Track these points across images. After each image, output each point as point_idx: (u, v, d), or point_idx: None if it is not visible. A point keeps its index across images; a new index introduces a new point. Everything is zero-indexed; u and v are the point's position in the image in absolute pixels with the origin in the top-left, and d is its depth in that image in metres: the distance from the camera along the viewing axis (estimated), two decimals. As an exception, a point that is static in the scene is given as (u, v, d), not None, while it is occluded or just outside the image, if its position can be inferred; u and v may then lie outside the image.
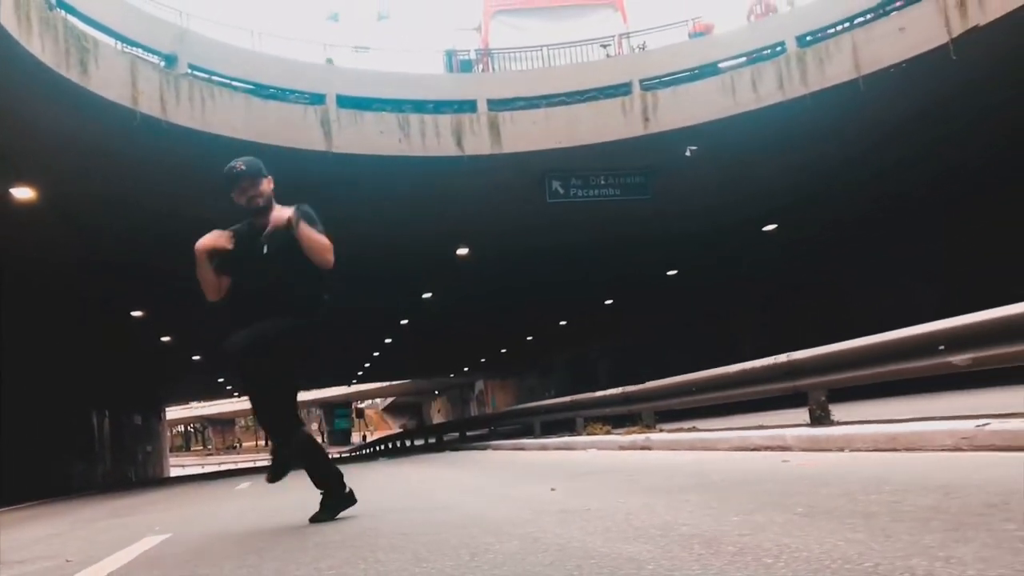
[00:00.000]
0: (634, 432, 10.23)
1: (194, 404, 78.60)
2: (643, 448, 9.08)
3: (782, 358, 7.31)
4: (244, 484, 11.71)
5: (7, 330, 21.85)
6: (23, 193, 12.74)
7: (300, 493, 8.02)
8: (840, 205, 19.46)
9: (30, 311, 19.98)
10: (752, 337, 25.60)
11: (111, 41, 12.68)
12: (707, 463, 5.95)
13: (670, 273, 25.80)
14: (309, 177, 15.00)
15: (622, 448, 9.63)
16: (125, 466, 37.83)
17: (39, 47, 10.58)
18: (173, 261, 16.31)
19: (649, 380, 10.97)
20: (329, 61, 16.31)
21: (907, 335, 5.82)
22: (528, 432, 15.96)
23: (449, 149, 15.53)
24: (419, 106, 15.89)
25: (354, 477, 9.86)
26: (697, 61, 16.22)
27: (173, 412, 72.30)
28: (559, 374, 46.62)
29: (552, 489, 4.73)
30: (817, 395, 6.91)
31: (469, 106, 16.05)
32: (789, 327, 20.98)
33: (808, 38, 15.25)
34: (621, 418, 12.32)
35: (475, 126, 15.79)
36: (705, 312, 29.50)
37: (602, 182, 16.83)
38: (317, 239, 4.49)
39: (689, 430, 9.65)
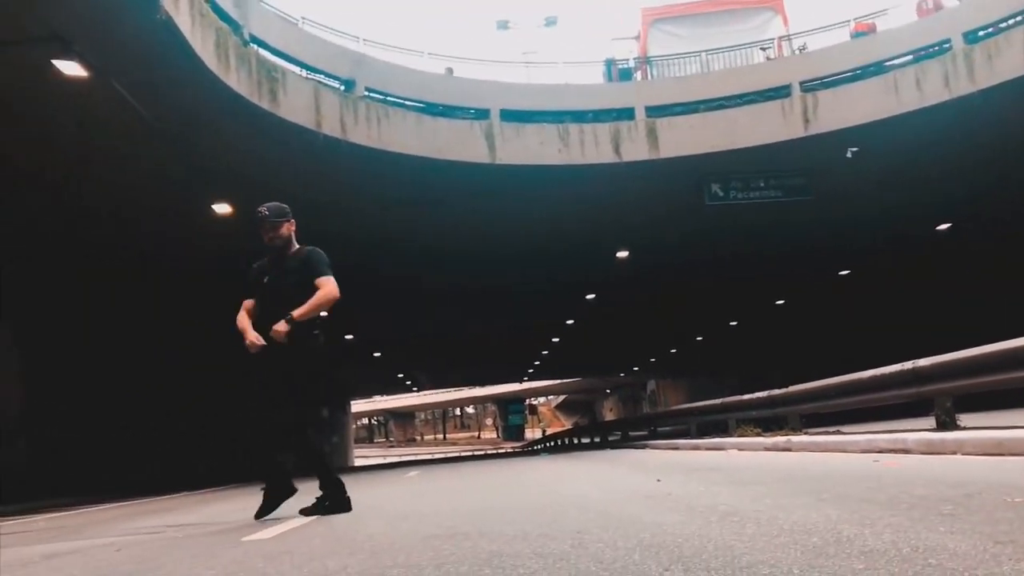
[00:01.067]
0: (779, 435, 10.48)
1: (377, 398, 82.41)
2: (784, 450, 9.35)
3: (908, 365, 7.46)
4: (413, 472, 12.79)
5: (208, 330, 24.11)
6: (223, 208, 14.31)
7: (448, 481, 8.87)
8: (1019, 200, 18.60)
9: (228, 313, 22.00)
10: (938, 337, 24.68)
11: (296, 69, 14.03)
12: (814, 463, 6.32)
13: (842, 273, 25.26)
14: (476, 188, 16.03)
15: (767, 449, 9.92)
16: (315, 455, 40.50)
17: (235, 80, 11.95)
18: (353, 269, 17.82)
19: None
20: (449, 71, 17.05)
21: (1015, 346, 5.93)
22: (685, 433, 16.31)
23: (607, 156, 16.07)
24: (578, 116, 16.51)
25: (515, 469, 10.64)
26: (859, 61, 16.04)
27: (358, 405, 76.21)
28: (732, 374, 45.92)
29: (658, 480, 5.29)
30: (943, 401, 7.05)
31: (627, 114, 16.53)
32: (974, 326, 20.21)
33: (979, 33, 14.83)
34: (772, 421, 12.53)
35: (633, 133, 16.24)
36: (884, 311, 28.56)
37: (762, 184, 16.89)
38: (321, 302, 5.15)
39: (833, 433, 9.83)
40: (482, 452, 51.68)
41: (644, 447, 16.54)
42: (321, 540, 3.51)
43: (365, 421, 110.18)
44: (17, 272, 16.49)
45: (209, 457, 26.96)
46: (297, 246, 5.36)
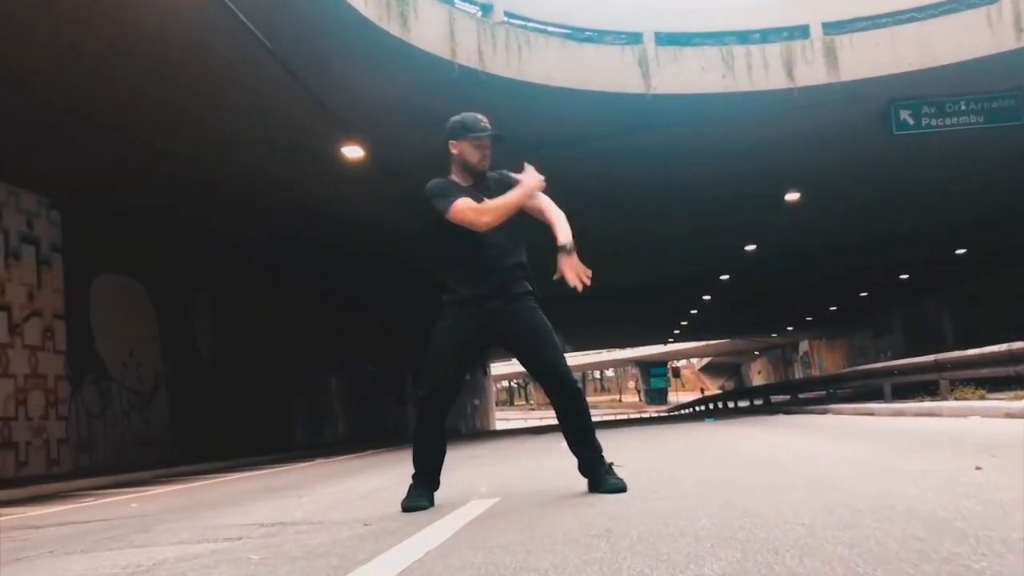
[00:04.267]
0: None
1: (516, 361, 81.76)
2: (1042, 416, 7.42)
3: None
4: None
5: (345, 289, 23.57)
6: (353, 152, 13.17)
7: (662, 449, 7.36)
8: None
9: (355, 268, 21.27)
10: None
11: (428, -8, 12.64)
12: None
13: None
14: (625, 123, 14.36)
15: (1009, 415, 7.97)
16: (456, 418, 40.07)
17: (361, 1, 10.64)
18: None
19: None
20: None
21: None
22: (873, 395, 14.27)
23: (778, 82, 14.12)
24: (743, 37, 14.60)
25: (708, 436, 9.07)
26: (1094, -49, 13.44)
27: (498, 368, 75.95)
28: (896, 334, 42.75)
29: (977, 468, 3.58)
30: None
31: (800, 32, 14.51)
32: None
33: None
34: (997, 381, 10.45)
35: (808, 54, 14.23)
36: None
37: (962, 108, 14.56)
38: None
39: (1101, 396, 7.79)
40: (626, 416, 50.16)
41: (825, 411, 14.58)
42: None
43: (505, 384, 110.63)
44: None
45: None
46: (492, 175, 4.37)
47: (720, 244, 22.94)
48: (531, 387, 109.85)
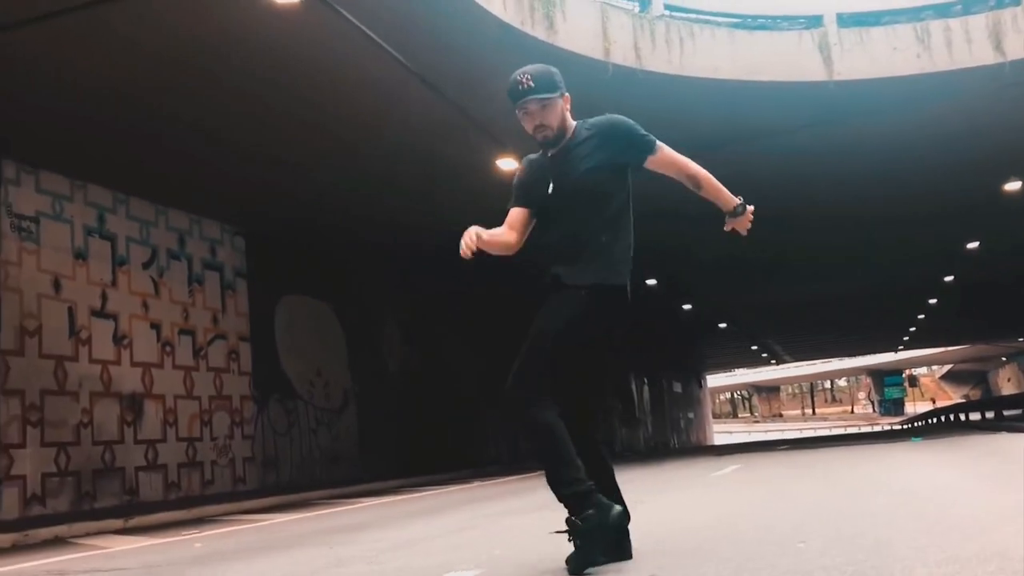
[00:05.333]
0: None
1: (738, 371, 79.58)
2: None
3: None
4: (731, 467, 10.07)
5: (532, 301, 23.36)
6: (508, 164, 12.86)
7: (761, 491, 6.35)
8: None
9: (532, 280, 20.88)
10: None
11: (579, -9, 12.11)
12: None
13: None
14: (806, 114, 13.24)
15: None
16: (666, 432, 38.91)
17: (500, 6, 10.29)
18: (678, 228, 15.61)
19: None
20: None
21: None
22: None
23: (984, 57, 12.47)
24: (942, 10, 13.05)
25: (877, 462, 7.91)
26: None
27: (716, 379, 73.69)
28: None
29: None
30: None
31: (1012, -1, 12.77)
32: None
33: None
34: None
35: (1020, 22, 12.51)
36: None
37: None
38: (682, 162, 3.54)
39: None
40: (856, 429, 47.11)
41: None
42: None
43: (728, 395, 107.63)
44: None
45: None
46: (574, 124, 3.47)
47: (936, 243, 20.78)
48: (755, 399, 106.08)
